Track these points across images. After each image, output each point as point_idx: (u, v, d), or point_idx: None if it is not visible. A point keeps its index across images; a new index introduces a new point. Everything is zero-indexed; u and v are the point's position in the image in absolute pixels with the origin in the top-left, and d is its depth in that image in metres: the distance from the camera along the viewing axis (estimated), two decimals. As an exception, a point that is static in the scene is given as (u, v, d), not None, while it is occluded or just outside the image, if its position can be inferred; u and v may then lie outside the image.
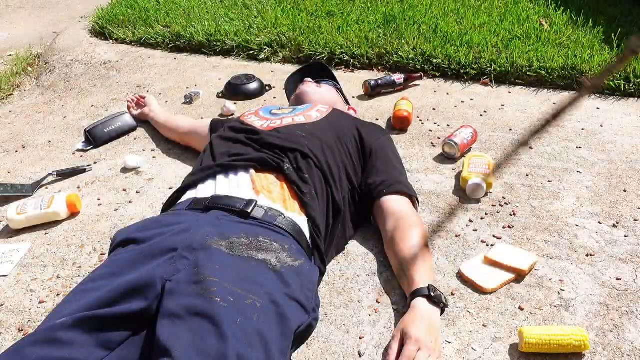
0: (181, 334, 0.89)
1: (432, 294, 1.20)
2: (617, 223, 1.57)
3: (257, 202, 1.24)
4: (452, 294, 1.33)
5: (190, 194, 1.34)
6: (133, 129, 2.23)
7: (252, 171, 1.35)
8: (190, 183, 1.38)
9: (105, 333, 0.93)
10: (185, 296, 0.95)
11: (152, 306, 0.97)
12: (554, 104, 2.29)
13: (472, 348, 1.19)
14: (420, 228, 1.38)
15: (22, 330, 1.29)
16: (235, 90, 2.49)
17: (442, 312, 1.23)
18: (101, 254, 1.52)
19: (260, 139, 1.45)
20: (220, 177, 1.35)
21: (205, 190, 1.32)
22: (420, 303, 1.19)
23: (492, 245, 1.48)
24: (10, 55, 3.36)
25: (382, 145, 1.60)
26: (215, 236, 1.09)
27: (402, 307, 1.29)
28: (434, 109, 2.29)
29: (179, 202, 1.35)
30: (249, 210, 1.20)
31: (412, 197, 1.50)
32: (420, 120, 2.20)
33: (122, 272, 1.03)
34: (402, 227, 1.37)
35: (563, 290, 1.34)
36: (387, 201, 1.45)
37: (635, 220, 1.58)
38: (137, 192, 1.81)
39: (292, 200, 1.31)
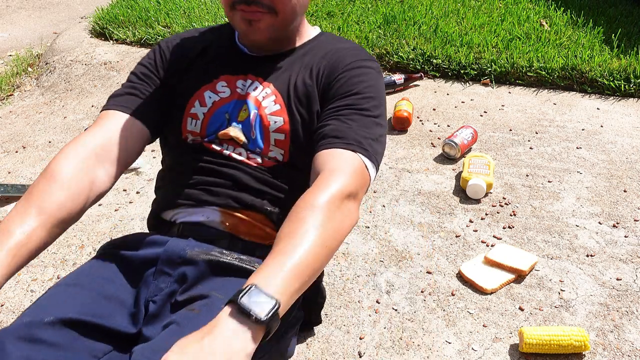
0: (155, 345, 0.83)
1: (240, 299, 0.72)
2: (617, 223, 1.57)
3: (234, 237, 1.05)
4: (452, 294, 1.33)
5: (165, 215, 1.10)
6: (133, 129, 2.22)
7: (222, 212, 1.05)
8: (163, 206, 1.10)
9: (91, 340, 0.88)
10: (166, 318, 0.91)
11: (136, 326, 0.93)
12: (554, 104, 2.29)
13: (472, 348, 1.19)
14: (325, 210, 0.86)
15: (22, 330, 1.29)
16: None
17: (267, 335, 0.74)
18: (101, 254, 1.53)
19: (232, 174, 1.04)
20: (191, 210, 1.06)
21: (178, 217, 1.08)
22: (222, 313, 0.74)
23: (492, 246, 1.48)
24: (10, 55, 3.37)
25: None
26: (196, 247, 0.99)
27: (402, 307, 1.29)
28: (434, 109, 2.29)
29: (155, 221, 1.14)
30: (226, 244, 1.03)
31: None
32: (421, 121, 2.20)
33: (105, 285, 0.97)
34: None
35: (563, 290, 1.34)
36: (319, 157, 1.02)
37: (635, 220, 1.58)
38: (137, 193, 1.81)
39: (272, 233, 1.06)
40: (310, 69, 1.04)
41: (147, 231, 1.16)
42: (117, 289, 0.96)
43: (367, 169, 0.94)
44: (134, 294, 0.96)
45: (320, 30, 1.15)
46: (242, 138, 1.03)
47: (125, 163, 1.03)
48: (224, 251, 1.00)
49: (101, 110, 1.06)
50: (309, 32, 1.12)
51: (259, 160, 1.04)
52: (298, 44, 1.09)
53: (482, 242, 1.50)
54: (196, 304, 0.90)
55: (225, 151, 1.04)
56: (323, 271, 1.29)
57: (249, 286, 0.74)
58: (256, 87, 1.04)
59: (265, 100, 1.03)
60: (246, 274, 0.93)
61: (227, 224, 1.04)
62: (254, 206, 1.03)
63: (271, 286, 0.75)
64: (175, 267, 0.97)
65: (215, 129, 1.05)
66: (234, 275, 0.96)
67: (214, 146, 1.05)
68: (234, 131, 1.03)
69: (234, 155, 1.04)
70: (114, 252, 1.04)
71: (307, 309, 1.15)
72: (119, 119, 1.04)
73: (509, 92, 2.41)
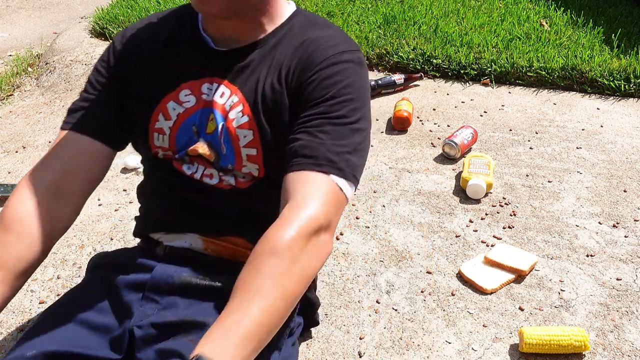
0: None
1: None
2: (617, 223, 1.57)
3: (220, 259, 1.03)
4: (452, 294, 1.33)
5: (151, 235, 1.07)
6: (133, 130, 2.22)
7: (203, 239, 1.03)
8: (146, 227, 1.08)
9: None
10: (156, 344, 0.89)
11: (119, 352, 0.91)
12: (554, 104, 2.29)
13: (472, 348, 1.19)
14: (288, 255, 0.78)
15: (23, 330, 1.29)
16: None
17: None
18: (101, 254, 1.53)
19: (207, 202, 1.01)
20: (174, 236, 1.04)
21: (164, 241, 1.05)
22: None
23: (492, 246, 1.48)
24: (10, 55, 3.37)
25: None
26: (183, 272, 0.97)
27: (402, 307, 1.29)
28: (434, 109, 2.29)
29: (140, 238, 1.12)
30: (212, 267, 1.01)
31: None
32: (421, 121, 2.20)
33: (89, 314, 0.95)
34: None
35: (563, 290, 1.34)
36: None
37: (635, 220, 1.58)
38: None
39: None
40: (279, 69, 0.92)
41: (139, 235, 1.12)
42: (102, 317, 0.94)
43: (343, 190, 0.85)
44: (119, 319, 0.94)
45: (295, 8, 0.99)
46: (212, 155, 0.96)
47: (89, 187, 0.99)
48: (212, 274, 0.97)
49: (61, 128, 0.99)
50: (282, 12, 0.97)
51: (233, 181, 0.97)
52: (269, 28, 0.95)
53: (482, 242, 1.51)
54: (195, 335, 0.86)
55: (196, 175, 0.97)
56: (316, 277, 1.23)
57: (195, 358, 0.67)
58: (222, 93, 0.94)
59: (232, 111, 0.93)
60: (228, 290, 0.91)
61: (210, 250, 1.01)
62: (234, 232, 0.99)
63: (219, 355, 0.68)
64: (163, 295, 0.95)
65: (184, 144, 0.97)
66: (223, 299, 0.92)
67: (184, 168, 0.98)
68: (203, 148, 0.96)
69: (206, 180, 0.97)
70: (102, 274, 1.01)
71: (304, 315, 1.13)
72: (76, 142, 0.95)
73: (509, 92, 2.41)
